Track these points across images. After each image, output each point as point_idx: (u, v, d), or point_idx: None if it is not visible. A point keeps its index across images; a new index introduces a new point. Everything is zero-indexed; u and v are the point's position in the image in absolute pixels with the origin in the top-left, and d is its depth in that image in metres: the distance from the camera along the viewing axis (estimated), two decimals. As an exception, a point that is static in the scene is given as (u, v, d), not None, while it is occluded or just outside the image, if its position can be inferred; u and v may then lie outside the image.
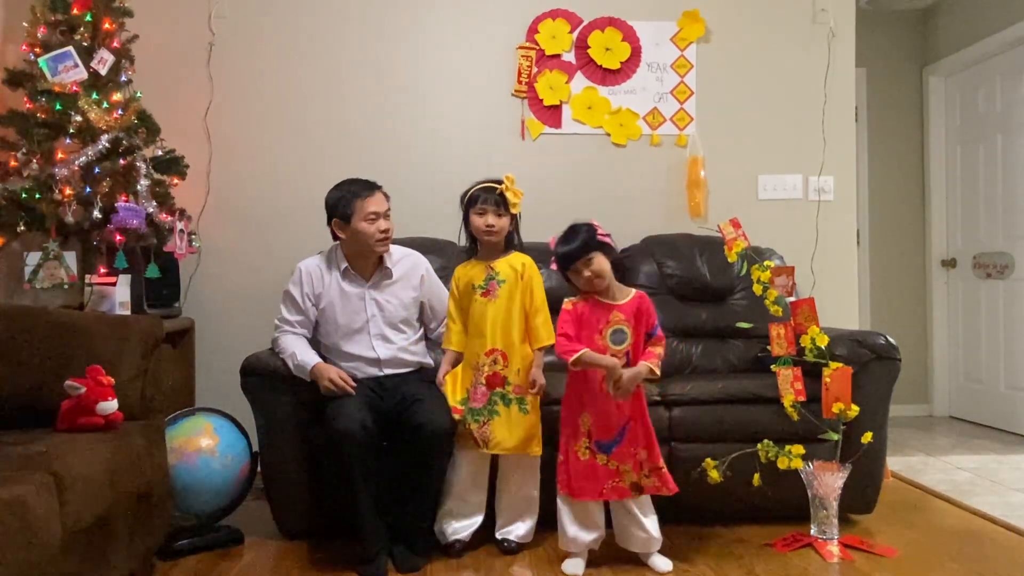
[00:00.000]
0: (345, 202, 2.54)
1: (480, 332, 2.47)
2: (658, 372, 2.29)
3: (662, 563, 2.33)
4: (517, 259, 2.52)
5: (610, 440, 2.29)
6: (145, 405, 2.20)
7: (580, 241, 2.29)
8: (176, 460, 2.45)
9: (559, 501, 2.37)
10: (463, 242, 2.65)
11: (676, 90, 3.67)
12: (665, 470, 2.32)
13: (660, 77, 3.67)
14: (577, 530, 2.33)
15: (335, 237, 2.63)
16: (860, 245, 4.48)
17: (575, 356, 2.24)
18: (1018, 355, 4.30)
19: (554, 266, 2.40)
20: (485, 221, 2.46)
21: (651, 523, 2.33)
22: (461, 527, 2.49)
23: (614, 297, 2.35)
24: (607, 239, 2.34)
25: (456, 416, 2.42)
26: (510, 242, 2.55)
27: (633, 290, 2.41)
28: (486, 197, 2.47)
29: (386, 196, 2.62)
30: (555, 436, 2.41)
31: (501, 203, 2.46)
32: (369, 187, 2.59)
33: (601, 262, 2.29)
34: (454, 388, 2.48)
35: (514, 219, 2.53)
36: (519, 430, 2.42)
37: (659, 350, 2.33)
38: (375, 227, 2.54)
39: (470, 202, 2.50)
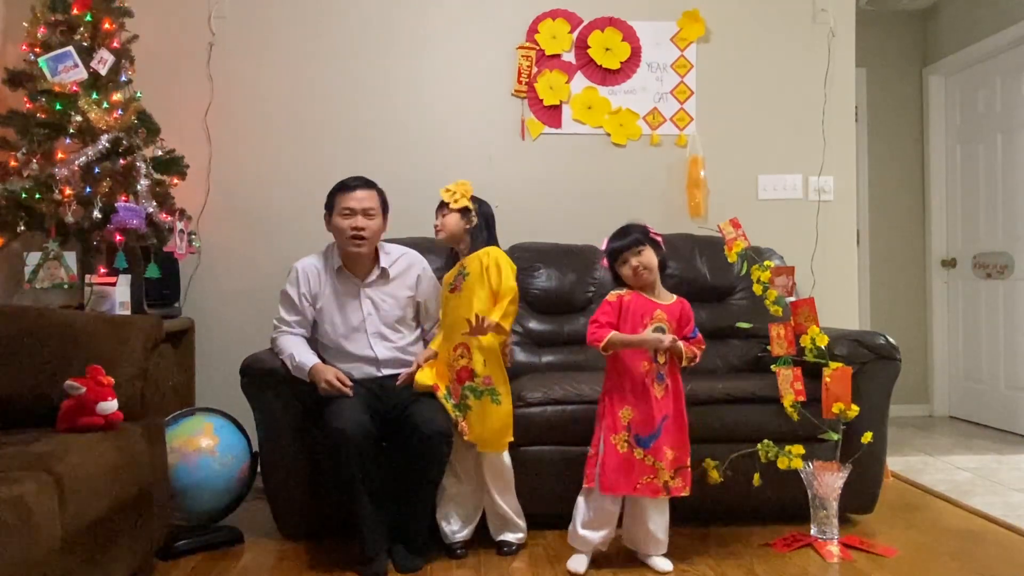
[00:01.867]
0: (331, 195, 2.62)
1: (450, 328, 2.51)
2: (684, 361, 2.36)
3: (662, 563, 2.33)
4: (485, 253, 2.54)
5: (649, 434, 2.29)
6: (145, 405, 2.20)
7: (634, 233, 2.38)
8: (176, 460, 2.45)
9: (580, 497, 2.37)
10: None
11: (676, 90, 3.67)
12: (689, 470, 2.33)
13: (660, 77, 3.67)
14: (588, 530, 2.33)
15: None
16: (860, 245, 4.47)
17: (604, 341, 2.28)
18: (1018, 355, 4.30)
19: (604, 262, 2.45)
20: (435, 226, 2.60)
21: (661, 526, 2.34)
22: (462, 527, 2.49)
23: (659, 296, 2.39)
24: (658, 238, 2.42)
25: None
26: (478, 239, 2.57)
27: (675, 295, 2.44)
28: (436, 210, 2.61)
29: (379, 194, 2.62)
30: (550, 436, 2.43)
31: (443, 206, 2.57)
32: (354, 182, 2.60)
33: (650, 255, 2.35)
34: (431, 378, 2.48)
35: (468, 214, 2.55)
36: (493, 421, 2.43)
37: (699, 347, 2.39)
38: (347, 223, 2.55)
39: None
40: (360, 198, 2.57)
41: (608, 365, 2.38)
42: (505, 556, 2.46)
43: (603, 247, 2.43)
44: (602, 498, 2.31)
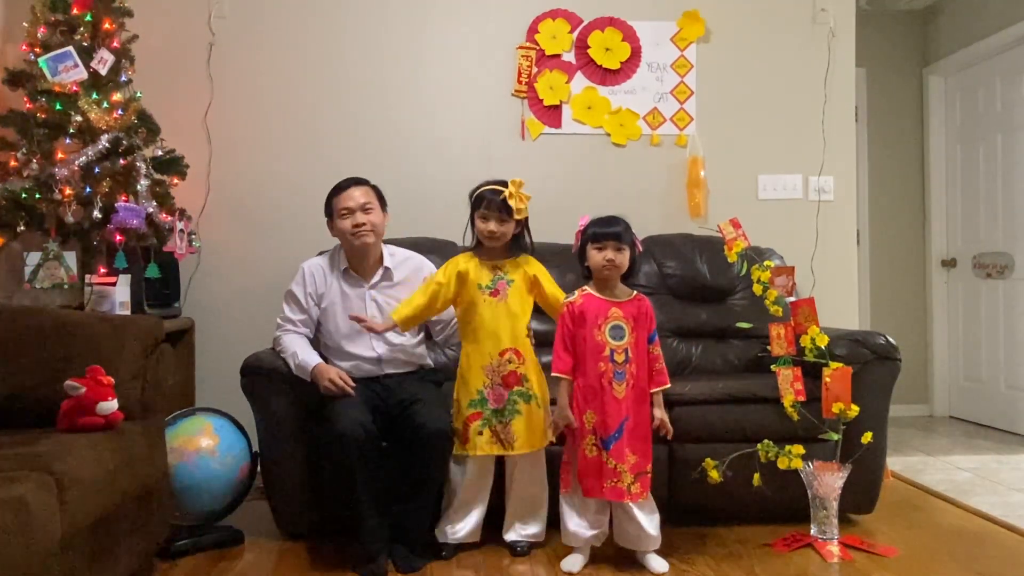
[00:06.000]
0: (328, 201, 2.65)
1: (491, 333, 2.45)
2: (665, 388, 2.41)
3: (657, 563, 2.32)
4: (525, 261, 2.54)
5: (609, 436, 2.29)
6: (145, 405, 2.20)
7: (622, 227, 2.38)
8: (176, 460, 2.45)
9: (562, 498, 2.38)
10: (468, 241, 2.61)
11: (676, 90, 3.67)
12: (649, 476, 2.32)
13: (660, 77, 3.67)
14: (578, 526, 2.34)
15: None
16: (860, 245, 4.47)
17: (557, 376, 2.36)
18: (1018, 355, 4.30)
19: (577, 242, 2.42)
20: (487, 227, 2.46)
21: (649, 522, 2.33)
22: (457, 530, 2.48)
23: (615, 294, 2.39)
24: (639, 244, 2.44)
25: (476, 423, 2.41)
26: (517, 244, 2.54)
27: (634, 291, 2.43)
28: (490, 201, 2.45)
29: (373, 189, 2.66)
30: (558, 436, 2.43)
31: (504, 209, 2.44)
32: (346, 183, 2.64)
33: (625, 257, 2.36)
34: (461, 392, 2.47)
35: (521, 223, 2.51)
36: (537, 425, 2.44)
37: (662, 365, 2.40)
38: (348, 222, 2.58)
39: (476, 202, 2.49)
40: (355, 196, 2.60)
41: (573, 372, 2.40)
42: (518, 555, 2.44)
43: (582, 224, 2.42)
44: (582, 498, 2.33)
